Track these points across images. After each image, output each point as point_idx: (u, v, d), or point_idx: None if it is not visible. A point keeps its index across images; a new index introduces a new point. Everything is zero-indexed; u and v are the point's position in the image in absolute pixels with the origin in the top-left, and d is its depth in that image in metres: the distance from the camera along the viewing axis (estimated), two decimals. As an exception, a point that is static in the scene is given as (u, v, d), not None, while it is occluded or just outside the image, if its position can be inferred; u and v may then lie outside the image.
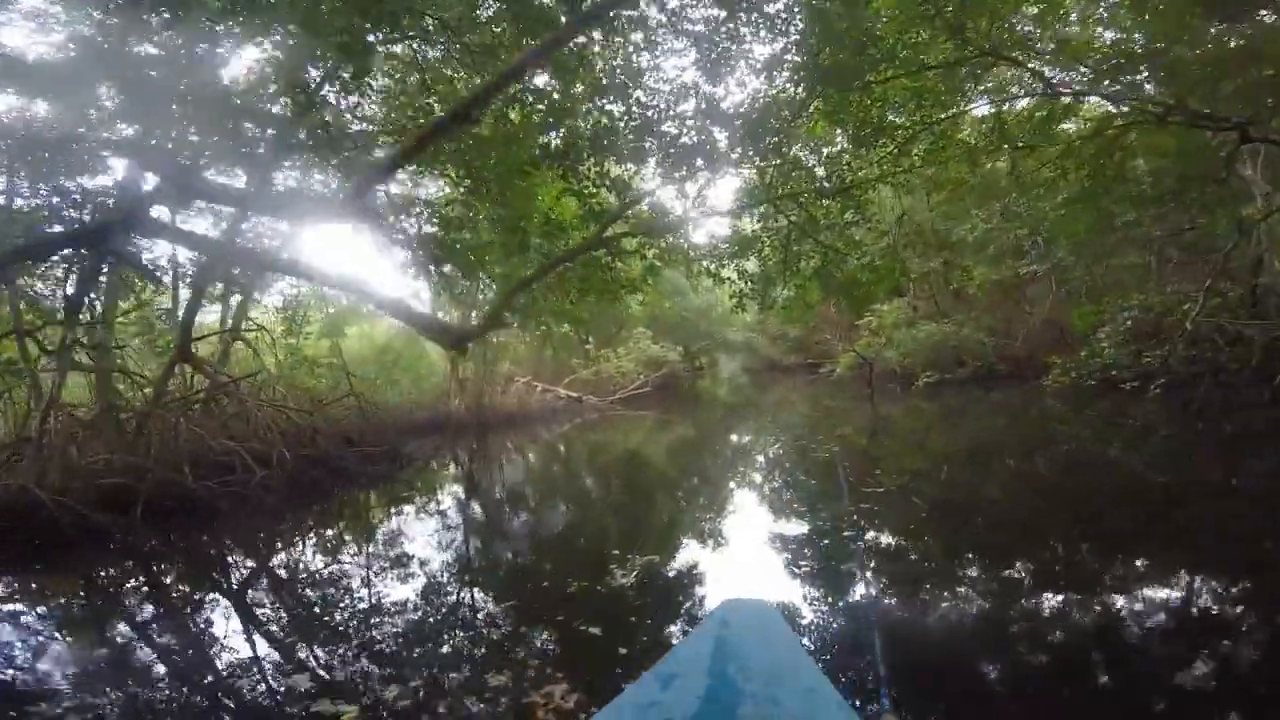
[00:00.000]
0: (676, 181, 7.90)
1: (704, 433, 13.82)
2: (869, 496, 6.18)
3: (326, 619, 4.31)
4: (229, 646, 3.87)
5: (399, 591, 4.73)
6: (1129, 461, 7.35)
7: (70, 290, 8.57)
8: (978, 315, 16.26)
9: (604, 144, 6.80)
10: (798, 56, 6.99)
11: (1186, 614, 3.43)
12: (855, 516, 5.57)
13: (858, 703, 2.48)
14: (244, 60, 8.05)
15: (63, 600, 5.20)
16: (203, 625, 4.39)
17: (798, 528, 5.73)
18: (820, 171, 8.26)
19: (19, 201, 7.93)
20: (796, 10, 6.64)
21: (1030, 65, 7.49)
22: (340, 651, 3.69)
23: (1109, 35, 8.16)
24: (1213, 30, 7.29)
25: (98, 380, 9.42)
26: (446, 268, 14.70)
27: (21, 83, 5.72)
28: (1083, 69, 7.52)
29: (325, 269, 9.23)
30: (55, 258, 7.89)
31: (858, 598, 3.87)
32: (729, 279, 9.18)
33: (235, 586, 5.33)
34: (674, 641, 3.33)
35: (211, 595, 5.12)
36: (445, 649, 3.66)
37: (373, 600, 4.56)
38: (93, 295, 9.50)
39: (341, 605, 4.53)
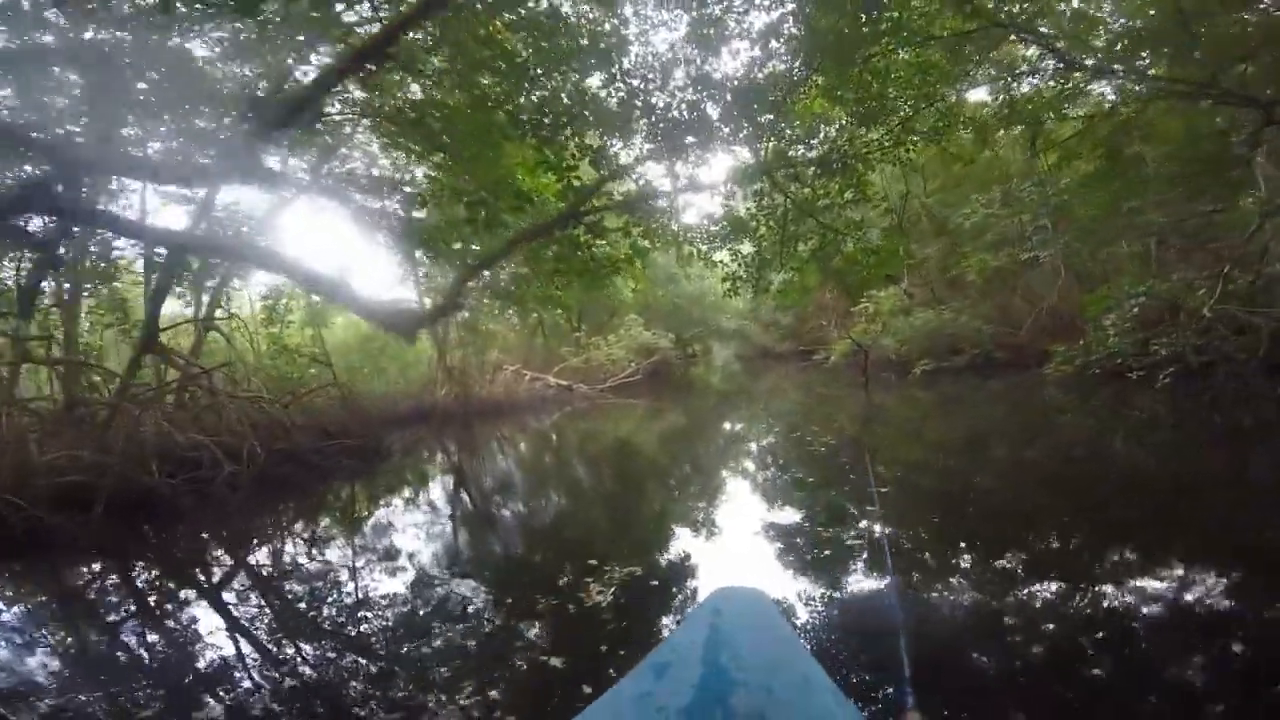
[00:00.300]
0: (665, 158, 7.44)
1: (695, 422, 13.53)
2: (865, 487, 6.08)
3: (279, 628, 3.99)
4: (165, 655, 3.63)
5: (369, 599, 4.39)
6: (1145, 457, 7.06)
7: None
8: (975, 302, 15.98)
9: (584, 115, 6.31)
10: (795, 28, 6.59)
11: (1205, 608, 3.35)
12: (851, 508, 5.57)
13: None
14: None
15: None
16: (136, 632, 4.11)
17: (791, 517, 5.62)
18: (817, 151, 7.86)
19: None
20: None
21: (1043, 40, 7.06)
22: (296, 662, 3.40)
23: (1122, 18, 7.71)
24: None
25: (65, 374, 9.02)
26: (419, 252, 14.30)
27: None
28: (1097, 45, 7.16)
29: (271, 252, 8.41)
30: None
31: (856, 590, 3.87)
32: (721, 262, 8.81)
33: (177, 592, 5.01)
34: (669, 630, 3.34)
35: (154, 600, 4.81)
36: (422, 652, 3.44)
37: (333, 611, 4.22)
38: (53, 284, 9.07)
39: (297, 613, 4.21)
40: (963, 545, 4.62)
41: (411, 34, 5.92)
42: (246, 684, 3.25)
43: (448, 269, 16.37)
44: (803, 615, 3.52)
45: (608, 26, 6.41)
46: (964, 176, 15.58)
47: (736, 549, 4.85)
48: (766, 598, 1.91)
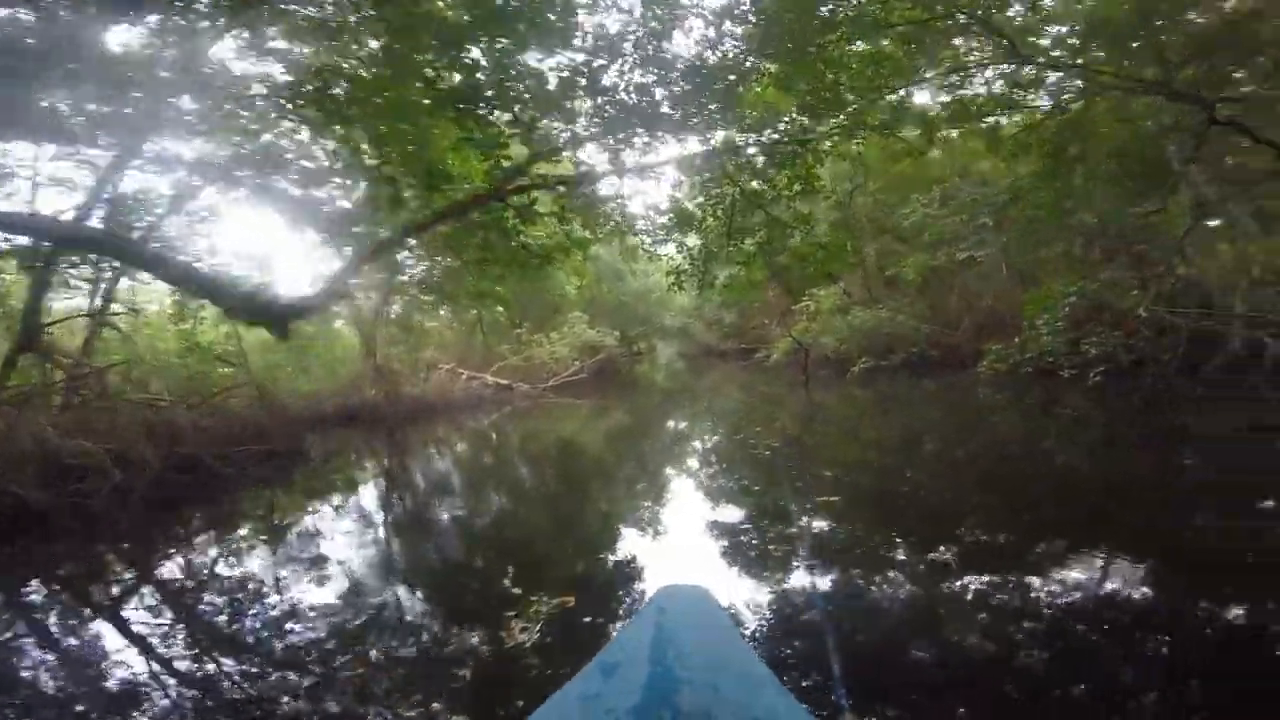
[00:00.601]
0: (610, 144, 6.99)
1: (639, 423, 13.25)
2: (806, 486, 6.13)
3: (153, 663, 3.40)
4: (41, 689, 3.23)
5: (255, 630, 3.83)
6: (1075, 456, 7.18)
7: None
8: (912, 301, 16.34)
9: (518, 87, 5.72)
10: (750, 13, 6.34)
11: (1131, 602, 3.47)
12: (792, 506, 5.58)
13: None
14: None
15: None
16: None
17: (732, 516, 5.57)
18: (767, 140, 7.63)
19: None
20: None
21: (998, 32, 7.00)
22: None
23: (1075, 14, 7.74)
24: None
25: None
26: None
27: None
28: (1044, 43, 7.22)
29: (123, 240, 7.48)
30: None
31: (796, 586, 3.88)
32: (666, 256, 8.51)
33: (44, 620, 4.33)
34: (615, 629, 3.33)
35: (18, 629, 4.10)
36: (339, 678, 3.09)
37: (212, 643, 3.66)
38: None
39: (165, 650, 3.63)
40: (900, 543, 4.63)
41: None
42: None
43: (382, 265, 15.65)
44: (744, 612, 3.48)
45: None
46: (902, 177, 15.88)
47: (679, 549, 4.79)
48: (710, 595, 1.91)
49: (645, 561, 4.51)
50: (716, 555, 4.53)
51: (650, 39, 6.09)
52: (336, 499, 7.70)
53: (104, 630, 4.11)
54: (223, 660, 3.49)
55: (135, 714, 2.98)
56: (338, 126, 5.79)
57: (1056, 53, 7.51)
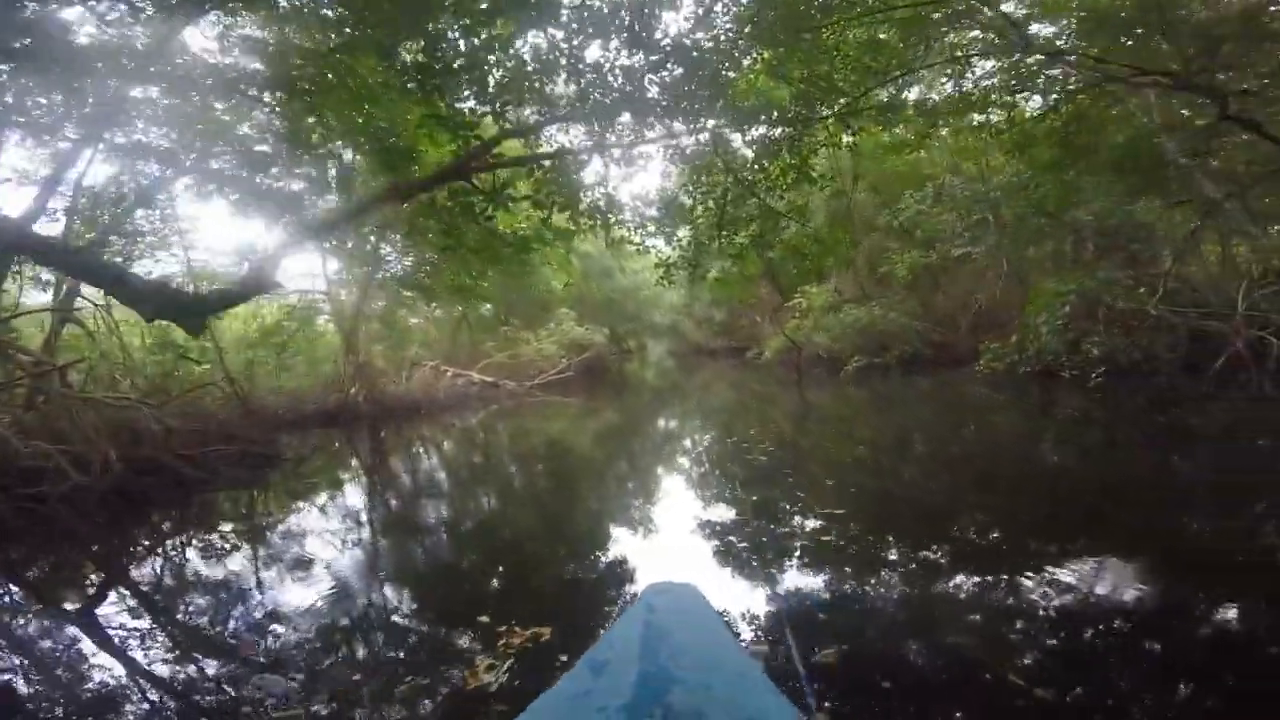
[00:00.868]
0: (593, 133, 6.62)
1: (627, 423, 12.93)
2: (798, 485, 6.08)
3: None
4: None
5: (208, 645, 3.52)
6: (1080, 460, 6.94)
7: None
8: (904, 299, 16.15)
9: (489, 67, 5.22)
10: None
11: (1126, 605, 3.36)
12: (784, 505, 5.55)
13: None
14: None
15: None
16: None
17: (722, 515, 5.49)
18: (760, 129, 7.33)
19: None
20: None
21: (1003, 18, 6.73)
22: None
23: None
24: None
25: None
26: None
27: None
28: (1049, 32, 6.97)
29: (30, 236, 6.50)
30: None
31: (787, 585, 3.84)
32: (654, 248, 8.17)
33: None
34: (604, 628, 3.05)
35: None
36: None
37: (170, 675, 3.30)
38: None
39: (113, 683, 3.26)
40: (893, 543, 4.52)
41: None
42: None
43: (361, 260, 15.20)
44: (734, 610, 3.44)
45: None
46: (893, 174, 15.69)
47: (667, 549, 4.76)
48: (700, 593, 1.89)
49: (633, 562, 4.44)
50: (706, 555, 4.47)
51: (637, 18, 5.70)
52: (307, 503, 7.32)
53: (52, 637, 3.91)
54: (173, 663, 3.38)
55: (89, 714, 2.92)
56: (277, 97, 5.31)
57: (1060, 43, 7.26)
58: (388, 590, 4.58)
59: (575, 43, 5.64)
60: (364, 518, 6.75)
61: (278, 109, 5.80)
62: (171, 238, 11.54)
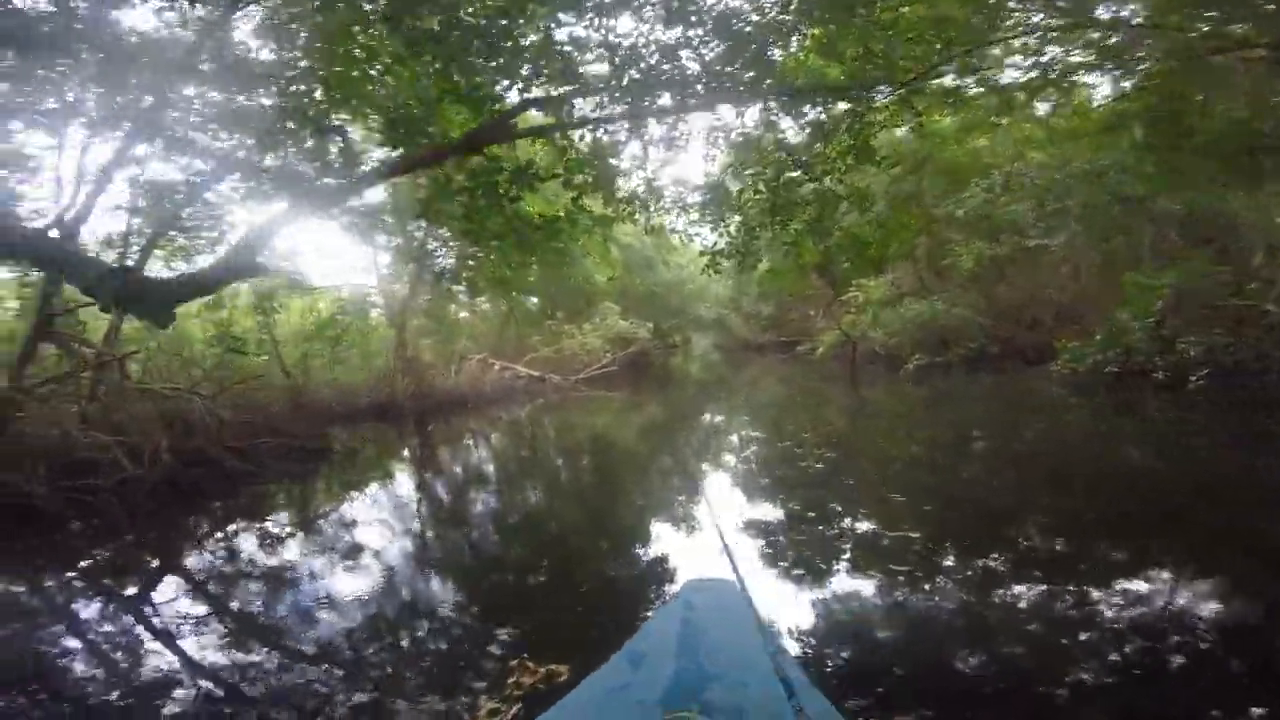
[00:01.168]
0: (630, 114, 6.22)
1: (672, 417, 12.64)
2: (850, 485, 5.91)
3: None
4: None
5: (253, 634, 3.57)
6: (1174, 469, 6.26)
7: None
8: (967, 293, 15.22)
9: (511, 34, 4.74)
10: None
11: (1215, 629, 3.02)
12: (834, 506, 5.36)
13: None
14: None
15: None
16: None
17: (768, 514, 5.35)
18: (812, 115, 6.83)
19: None
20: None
21: None
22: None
23: None
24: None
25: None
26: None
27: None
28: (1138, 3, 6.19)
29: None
30: None
31: (833, 587, 3.72)
32: (698, 236, 7.71)
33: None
34: (643, 619, 3.13)
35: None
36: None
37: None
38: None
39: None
40: (950, 548, 4.26)
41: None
42: None
43: (410, 254, 15.32)
44: (775, 610, 3.29)
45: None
46: (954, 164, 14.78)
47: (708, 546, 4.48)
48: (740, 590, 1.84)
49: (674, 559, 4.35)
50: (748, 552, 4.33)
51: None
52: (353, 497, 7.31)
53: (103, 623, 4.04)
54: (216, 650, 3.47)
55: (126, 699, 3.00)
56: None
57: (1139, 19, 6.44)
58: (428, 584, 4.56)
59: (607, 18, 5.24)
60: (408, 512, 6.71)
61: (280, 83, 5.57)
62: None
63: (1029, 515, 4.90)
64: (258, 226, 6.10)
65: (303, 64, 5.08)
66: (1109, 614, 3.13)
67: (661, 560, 4.39)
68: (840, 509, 5.31)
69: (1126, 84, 7.54)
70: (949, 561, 4.04)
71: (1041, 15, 6.87)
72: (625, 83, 5.40)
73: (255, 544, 5.54)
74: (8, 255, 6.65)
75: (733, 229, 7.44)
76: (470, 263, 14.11)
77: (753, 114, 6.94)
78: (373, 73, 5.19)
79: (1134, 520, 4.61)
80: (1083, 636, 2.92)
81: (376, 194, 13.30)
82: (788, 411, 12.06)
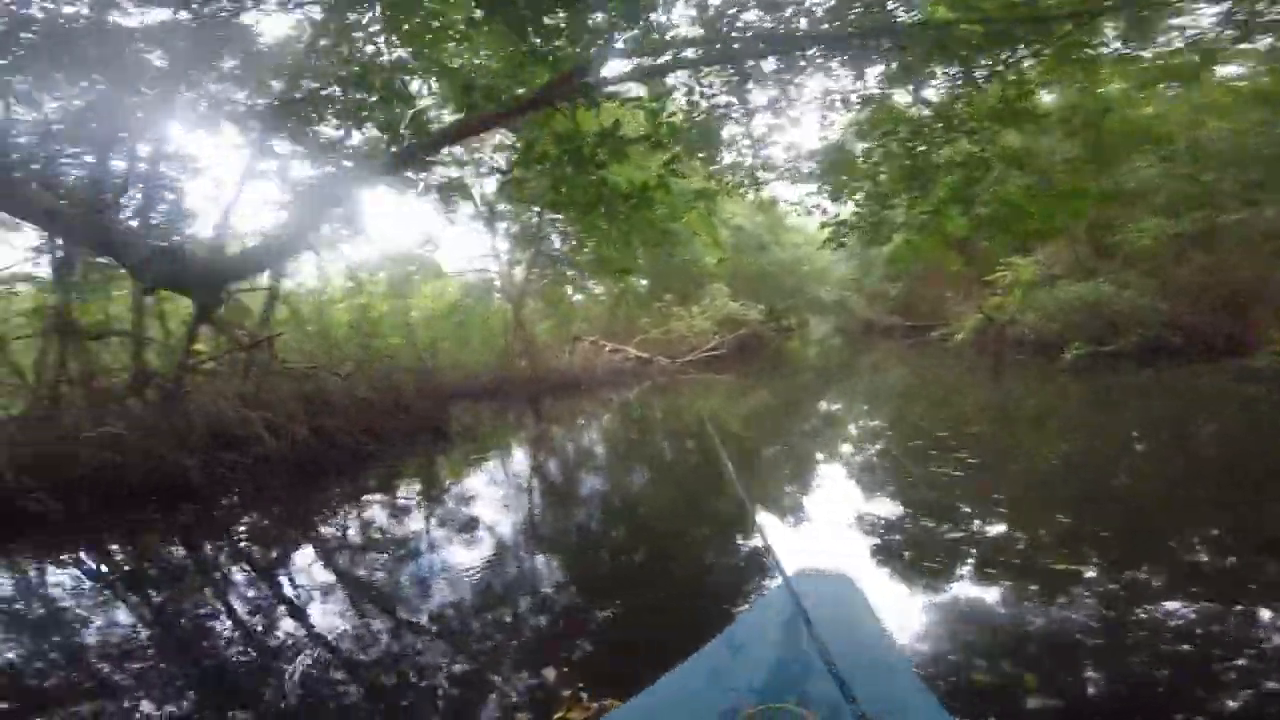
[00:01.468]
0: (732, 80, 5.58)
1: (781, 406, 12.00)
2: (985, 485, 5.46)
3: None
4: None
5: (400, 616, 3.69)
6: None
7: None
8: (1137, 274, 13.04)
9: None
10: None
11: None
12: (963, 507, 5.03)
13: None
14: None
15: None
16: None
17: (886, 510, 5.13)
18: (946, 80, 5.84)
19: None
20: None
21: None
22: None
23: None
24: None
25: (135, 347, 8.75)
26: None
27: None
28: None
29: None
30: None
31: (954, 593, 3.49)
32: (817, 208, 6.89)
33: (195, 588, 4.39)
34: (738, 611, 3.18)
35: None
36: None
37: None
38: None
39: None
40: (1093, 558, 3.89)
41: None
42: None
43: (527, 240, 15.61)
44: (889, 610, 2.86)
45: None
46: (1117, 133, 12.59)
47: (818, 540, 4.56)
48: (852, 582, 1.92)
49: (780, 550, 3.97)
50: (862, 549, 4.23)
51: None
52: (472, 477, 7.59)
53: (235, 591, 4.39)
54: (338, 619, 3.69)
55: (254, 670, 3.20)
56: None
57: None
58: (534, 560, 4.66)
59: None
60: (519, 491, 6.93)
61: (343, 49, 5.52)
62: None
63: (1188, 525, 4.44)
64: (315, 199, 6.07)
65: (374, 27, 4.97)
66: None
67: (764, 551, 4.18)
68: (969, 509, 5.00)
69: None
70: (1090, 573, 3.68)
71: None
72: (720, 45, 4.83)
73: (377, 519, 5.90)
74: (62, 238, 6.86)
75: (859, 198, 6.65)
76: (583, 246, 14.19)
77: (873, 75, 6.09)
78: (449, 31, 4.96)
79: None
80: (1241, 662, 2.65)
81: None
82: (913, 404, 11.09)
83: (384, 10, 4.97)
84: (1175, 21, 6.39)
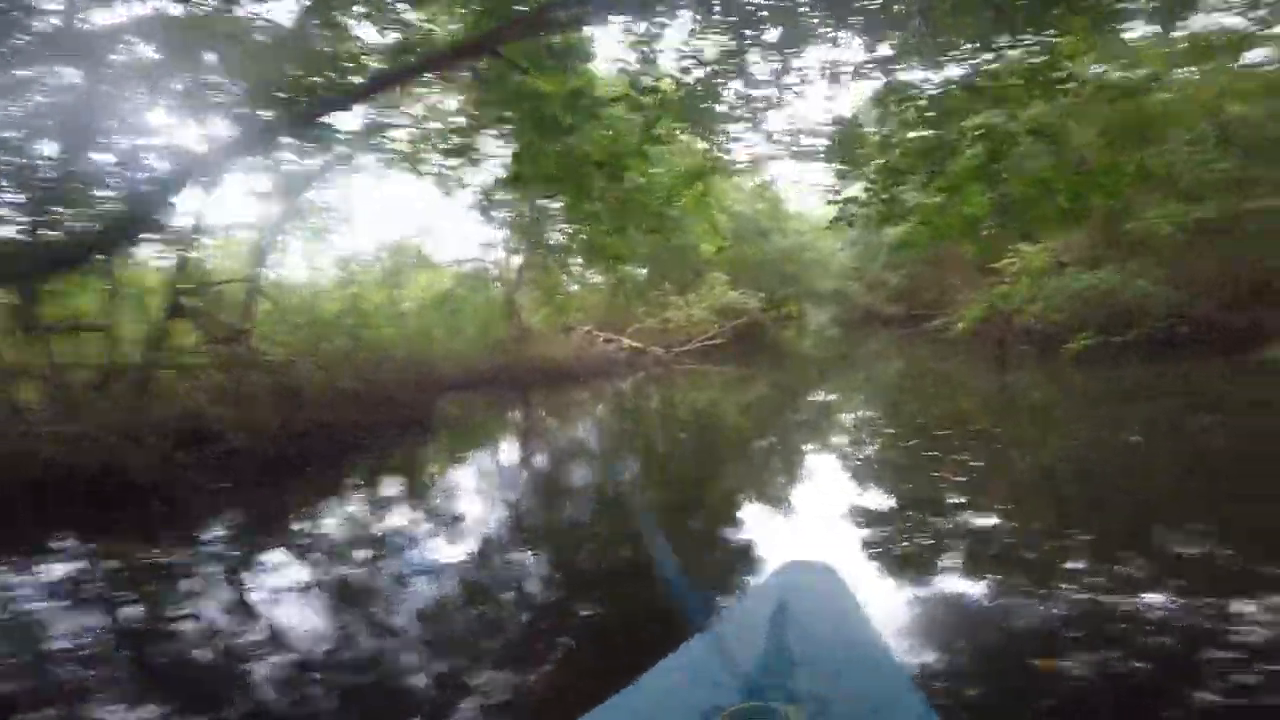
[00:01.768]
0: (736, 49, 5.10)
1: (778, 399, 11.70)
2: (977, 478, 5.36)
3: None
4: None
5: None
6: None
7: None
8: (1149, 263, 12.61)
9: None
10: None
11: None
12: (952, 499, 4.87)
13: None
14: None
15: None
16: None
17: (877, 502, 5.09)
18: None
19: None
20: None
21: None
22: None
23: None
24: None
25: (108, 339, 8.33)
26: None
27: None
28: None
29: None
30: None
31: (940, 585, 3.40)
32: (820, 187, 6.44)
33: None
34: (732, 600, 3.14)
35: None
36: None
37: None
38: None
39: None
40: (1084, 550, 3.80)
41: None
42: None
43: (523, 228, 15.14)
44: (872, 600, 2.85)
45: None
46: (1133, 117, 12.11)
47: (804, 533, 4.46)
48: (837, 574, 1.80)
49: (770, 543, 4.18)
50: (851, 542, 4.10)
51: None
52: (455, 469, 7.43)
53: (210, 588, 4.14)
54: (313, 617, 3.53)
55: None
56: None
57: None
58: (517, 555, 4.53)
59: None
60: (506, 483, 6.79)
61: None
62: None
63: (1192, 519, 4.26)
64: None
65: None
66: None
67: (754, 544, 4.24)
68: (959, 500, 4.86)
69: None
70: (1080, 564, 3.60)
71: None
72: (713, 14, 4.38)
73: (354, 514, 5.68)
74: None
75: (870, 175, 6.22)
76: (579, 232, 13.78)
77: (885, 48, 5.62)
78: None
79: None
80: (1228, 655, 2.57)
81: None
82: (911, 397, 10.80)
83: None
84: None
